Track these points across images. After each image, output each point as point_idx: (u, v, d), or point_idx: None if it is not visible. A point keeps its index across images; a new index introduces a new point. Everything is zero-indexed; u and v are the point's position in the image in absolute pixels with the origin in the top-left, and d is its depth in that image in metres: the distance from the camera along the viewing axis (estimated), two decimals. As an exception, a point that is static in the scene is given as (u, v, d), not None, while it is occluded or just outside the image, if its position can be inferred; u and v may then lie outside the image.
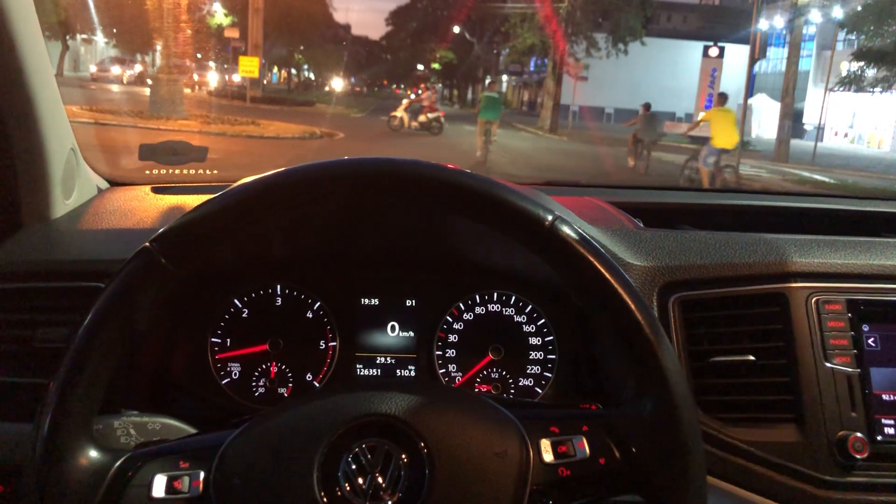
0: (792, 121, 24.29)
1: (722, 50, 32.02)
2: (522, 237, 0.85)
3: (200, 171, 1.98)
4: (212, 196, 0.85)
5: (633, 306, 0.83)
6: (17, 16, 1.22)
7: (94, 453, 0.81)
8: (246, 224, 0.84)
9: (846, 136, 41.19)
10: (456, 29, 56.97)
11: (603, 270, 0.84)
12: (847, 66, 24.77)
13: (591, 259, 0.84)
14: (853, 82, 23.65)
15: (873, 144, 38.62)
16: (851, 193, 14.68)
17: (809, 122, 39.39)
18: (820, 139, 26.48)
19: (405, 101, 21.22)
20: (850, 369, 1.20)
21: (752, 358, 1.22)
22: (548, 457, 0.83)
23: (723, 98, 14.25)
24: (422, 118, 20.20)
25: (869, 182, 18.12)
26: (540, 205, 0.84)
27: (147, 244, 0.83)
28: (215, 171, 2.14)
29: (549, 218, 0.83)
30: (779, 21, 27.05)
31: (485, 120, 15.24)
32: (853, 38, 25.94)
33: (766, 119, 37.18)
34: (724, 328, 1.25)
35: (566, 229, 0.83)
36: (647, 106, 17.07)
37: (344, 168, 0.84)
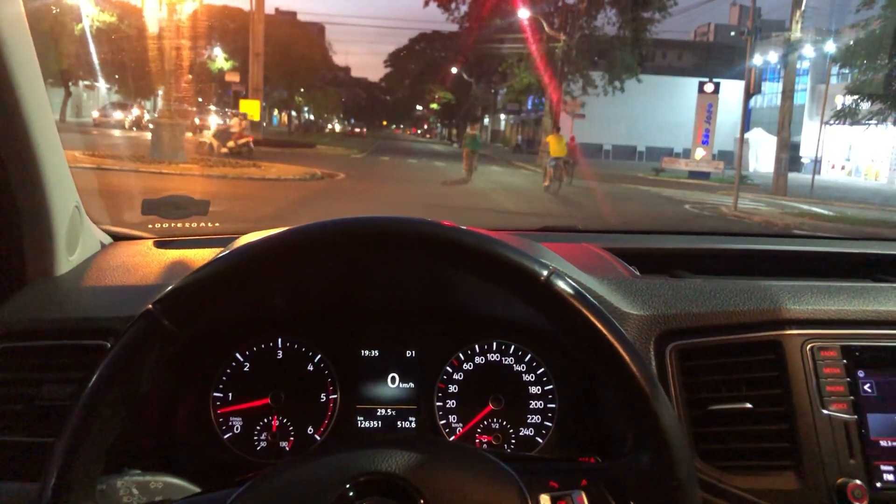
0: (789, 154, 24.45)
1: (717, 86, 32.36)
2: (519, 292, 0.86)
3: (203, 224, 2.00)
4: (215, 256, 0.86)
5: (629, 361, 0.84)
6: (22, 77, 1.24)
7: None
8: (248, 285, 0.85)
9: (843, 168, 41.37)
10: (454, 70, 57.60)
11: (598, 325, 0.85)
12: (842, 100, 24.98)
13: (587, 314, 0.85)
14: (848, 115, 23.85)
15: (870, 176, 38.78)
16: (851, 225, 14.73)
17: (806, 155, 39.63)
18: (817, 172, 26.61)
19: (215, 126, 22.19)
20: (847, 416, 1.21)
21: (749, 405, 1.23)
22: None
23: (556, 129, 24.23)
24: (230, 144, 21.13)
25: (868, 214, 18.17)
26: (535, 260, 0.85)
27: (150, 307, 0.84)
28: (217, 224, 2.16)
29: (545, 273, 0.84)
30: (773, 56, 27.34)
31: (469, 150, 22.70)
32: (847, 71, 26.21)
33: (763, 153, 37.42)
34: (722, 376, 1.26)
35: (561, 284, 0.85)
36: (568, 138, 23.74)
37: (343, 228, 0.86)
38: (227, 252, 0.86)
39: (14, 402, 1.24)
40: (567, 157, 20.70)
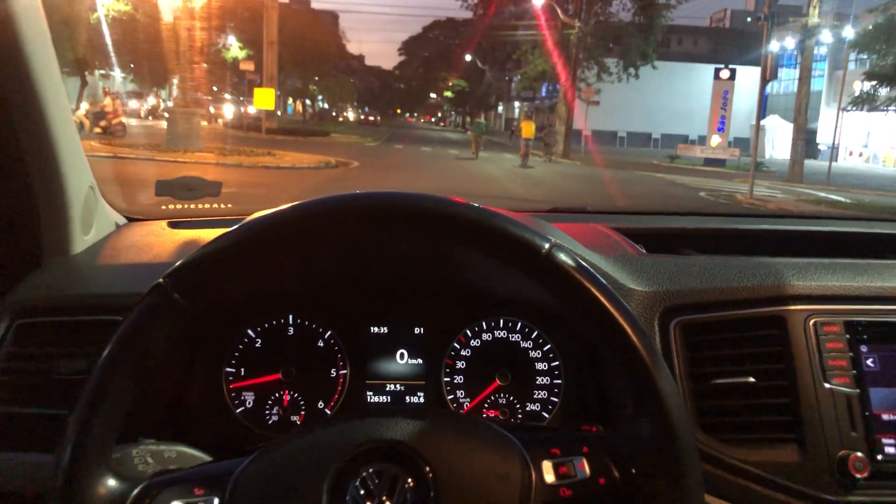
0: (805, 141, 24.20)
1: (733, 72, 32.02)
2: (520, 265, 0.88)
3: (215, 206, 2.03)
4: (223, 231, 0.89)
5: (629, 330, 0.86)
6: (38, 59, 1.27)
7: (112, 482, 0.84)
8: (257, 259, 0.87)
9: (861, 155, 40.99)
10: (467, 57, 57.38)
11: (599, 296, 0.86)
12: (860, 86, 24.71)
13: (588, 285, 0.86)
14: (866, 101, 23.54)
15: (889, 163, 38.39)
16: (867, 212, 14.60)
17: (823, 141, 39.30)
18: (834, 159, 26.39)
19: (85, 107, 22.34)
20: (850, 390, 1.22)
21: (752, 380, 1.24)
22: (549, 478, 0.85)
23: (528, 116, 30.78)
24: (103, 123, 21.40)
25: (885, 201, 17.99)
26: (536, 233, 0.87)
27: (161, 280, 0.86)
28: (229, 205, 2.19)
29: (546, 246, 0.86)
30: (790, 42, 27.06)
31: (475, 135, 28.09)
32: (865, 57, 25.90)
33: (779, 140, 37.13)
34: (725, 351, 1.27)
35: (563, 256, 0.86)
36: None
37: (348, 202, 0.88)
38: (235, 227, 0.88)
39: (31, 375, 1.28)
40: (547, 137, 28.68)
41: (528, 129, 25.60)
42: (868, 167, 38.00)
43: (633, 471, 0.86)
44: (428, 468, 0.83)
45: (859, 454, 1.18)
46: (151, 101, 35.86)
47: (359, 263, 1.42)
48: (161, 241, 1.59)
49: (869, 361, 1.24)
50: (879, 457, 1.19)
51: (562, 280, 0.86)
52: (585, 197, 15.47)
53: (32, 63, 1.26)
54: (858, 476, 1.16)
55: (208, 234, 1.61)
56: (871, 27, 22.29)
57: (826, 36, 26.01)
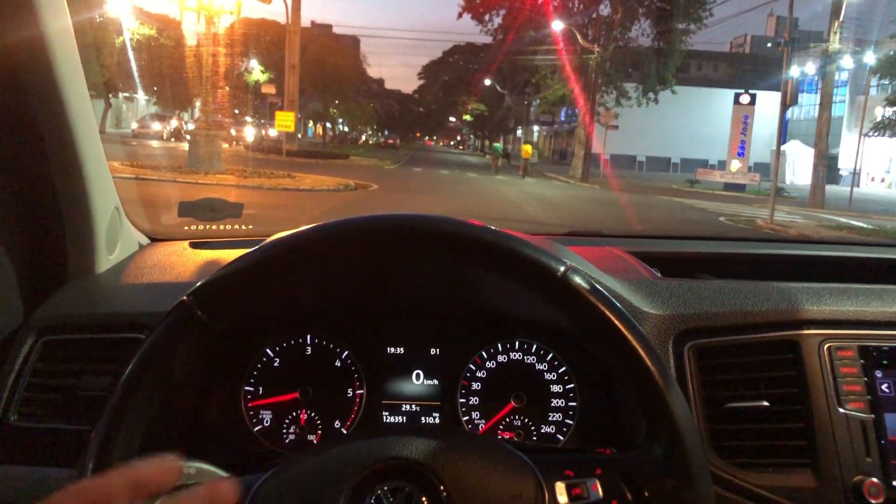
0: (826, 166, 24.05)
1: (753, 97, 31.96)
2: (536, 287, 0.89)
3: (237, 227, 2.06)
4: (246, 251, 0.91)
5: (643, 353, 0.87)
6: (68, 81, 1.31)
7: None
8: (278, 278, 0.89)
9: (883, 181, 40.63)
10: (487, 81, 57.68)
11: (613, 318, 0.87)
12: (882, 111, 24.58)
13: (602, 308, 0.88)
14: (888, 127, 23.44)
15: (911, 189, 37.99)
16: (889, 238, 14.45)
17: (845, 167, 39.01)
18: (856, 184, 26.15)
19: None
20: (864, 415, 1.22)
21: (766, 404, 1.24)
22: (562, 499, 0.86)
23: (527, 141, 42.71)
24: None
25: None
26: (552, 256, 0.89)
27: (184, 298, 0.89)
28: (250, 227, 2.22)
29: (562, 268, 0.87)
30: (810, 67, 27.01)
31: (494, 156, 35.38)
32: (886, 83, 25.77)
33: (800, 165, 36.88)
34: (739, 375, 1.28)
35: (578, 279, 0.88)
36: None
37: (367, 224, 0.90)
38: (258, 247, 0.91)
39: (55, 391, 1.30)
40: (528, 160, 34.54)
41: (526, 152, 34.63)
42: (890, 193, 37.65)
43: (646, 493, 0.87)
44: (442, 487, 0.84)
45: (874, 480, 1.17)
46: (174, 123, 36.28)
47: (376, 284, 1.44)
48: (183, 260, 1.62)
49: (884, 387, 1.24)
50: (895, 482, 1.19)
51: (576, 302, 0.88)
52: (602, 221, 15.45)
53: (62, 86, 1.29)
54: (874, 502, 1.16)
55: (230, 255, 1.64)
56: (892, 52, 22.21)
57: (847, 61, 25.95)
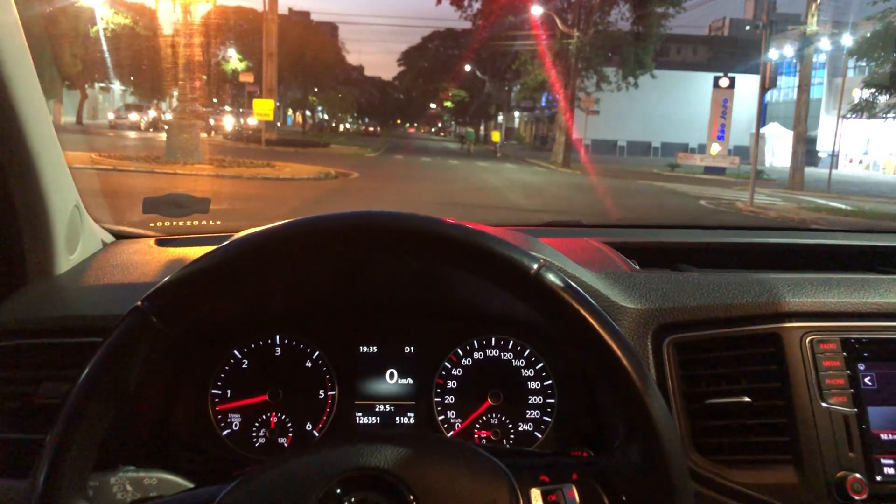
0: (805, 149, 24.23)
1: (732, 80, 32.08)
2: (509, 285, 0.86)
3: (205, 222, 2.01)
4: (204, 252, 0.86)
5: (619, 353, 0.83)
6: (16, 78, 1.25)
7: None
8: (239, 281, 0.85)
9: (861, 162, 41.08)
10: (467, 68, 57.64)
11: (588, 317, 0.84)
12: (859, 93, 24.73)
13: (577, 306, 0.84)
14: (866, 109, 23.56)
15: (889, 170, 38.47)
16: (868, 220, 14.59)
17: (823, 149, 39.40)
18: (835, 166, 26.40)
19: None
20: (847, 409, 1.20)
21: (747, 399, 1.22)
22: None
23: (496, 127, 55.38)
24: None
25: (886, 208, 17.99)
26: (526, 253, 0.85)
27: (139, 304, 0.84)
28: (219, 222, 2.17)
29: (535, 266, 0.84)
30: (789, 50, 27.19)
31: (466, 139, 44.86)
32: (864, 65, 25.95)
33: (779, 148, 37.20)
34: (720, 369, 1.25)
35: (551, 277, 0.84)
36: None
37: (334, 222, 0.86)
38: (215, 249, 0.86)
39: (12, 399, 1.25)
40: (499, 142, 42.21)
41: (496, 136, 44.71)
42: (868, 174, 38.05)
43: (624, 498, 0.84)
44: (412, 496, 0.80)
45: (858, 475, 1.15)
46: (153, 113, 35.94)
47: (347, 282, 1.41)
48: (148, 259, 1.57)
49: (867, 380, 1.22)
50: (878, 478, 1.17)
51: (550, 301, 0.84)
52: (584, 206, 15.48)
53: (11, 83, 1.24)
54: (857, 498, 1.14)
55: (196, 252, 1.59)
56: (869, 35, 22.33)
57: (825, 44, 26.14)
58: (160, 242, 1.72)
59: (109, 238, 1.73)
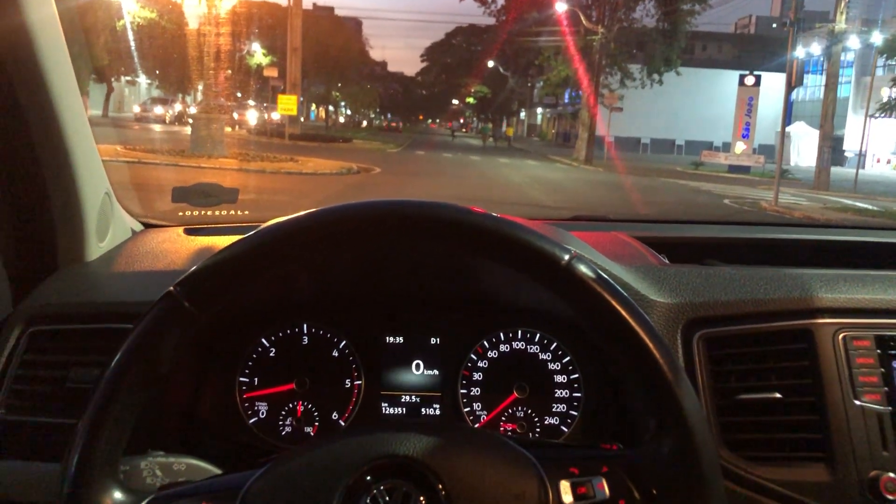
0: (832, 148, 23.91)
1: (758, 78, 31.71)
2: (540, 276, 0.85)
3: (233, 212, 2.02)
4: (236, 239, 0.87)
5: (651, 345, 0.83)
6: (53, 68, 1.27)
7: (118, 494, 0.83)
8: (269, 267, 0.85)
9: (889, 162, 40.47)
10: (490, 63, 57.59)
11: (620, 309, 0.83)
12: (888, 92, 24.39)
13: (608, 298, 0.83)
14: (895, 108, 23.25)
15: (918, 170, 37.85)
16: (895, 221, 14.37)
17: (850, 149, 38.85)
18: (861, 166, 26.03)
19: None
20: (881, 407, 1.18)
21: (778, 395, 1.20)
22: (567, 498, 0.82)
23: (509, 125, 71.10)
24: None
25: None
26: (556, 244, 0.84)
27: (171, 289, 0.85)
28: (247, 212, 2.18)
29: (566, 257, 0.83)
30: (816, 48, 26.81)
31: (485, 134, 55.89)
32: (893, 63, 25.58)
33: (805, 147, 36.67)
34: (751, 365, 1.24)
35: (583, 267, 0.83)
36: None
37: (364, 211, 0.86)
38: (248, 235, 0.87)
39: (43, 384, 1.27)
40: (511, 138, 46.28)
41: (510, 131, 53.72)
42: (896, 174, 37.53)
43: (654, 491, 0.84)
44: (441, 486, 0.80)
45: (892, 475, 1.13)
46: (178, 107, 36.24)
47: (374, 272, 1.41)
48: (176, 247, 1.58)
49: None
50: None
51: (581, 292, 0.84)
52: (607, 204, 15.38)
53: (47, 75, 1.26)
54: (890, 497, 1.12)
55: (224, 242, 1.59)
56: (898, 33, 22.02)
57: (853, 42, 25.73)
58: (188, 231, 1.73)
59: (138, 227, 1.75)
